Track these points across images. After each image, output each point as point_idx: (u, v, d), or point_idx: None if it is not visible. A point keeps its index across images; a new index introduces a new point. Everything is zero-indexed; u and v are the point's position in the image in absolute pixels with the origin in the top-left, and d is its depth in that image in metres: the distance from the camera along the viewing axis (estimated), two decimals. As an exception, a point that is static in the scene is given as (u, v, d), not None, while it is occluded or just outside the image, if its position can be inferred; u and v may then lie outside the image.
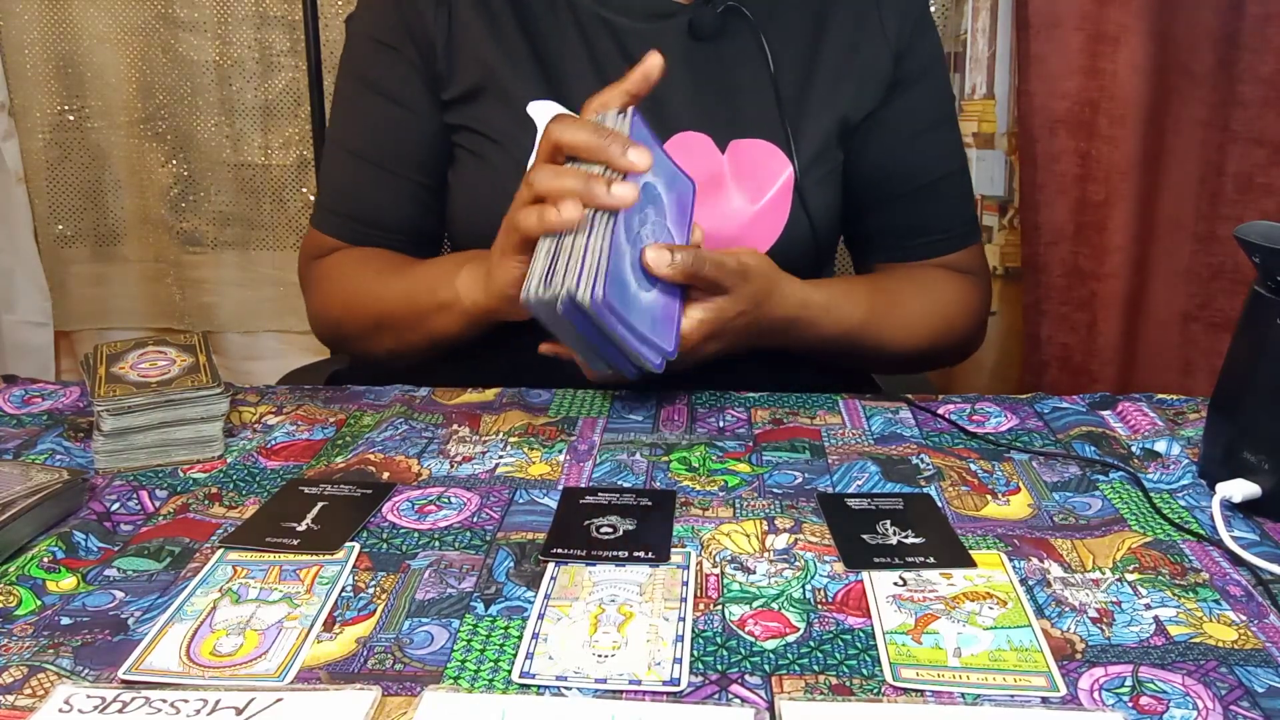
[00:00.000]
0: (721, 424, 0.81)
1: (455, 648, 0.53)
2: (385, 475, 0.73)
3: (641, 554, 0.61)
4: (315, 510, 0.67)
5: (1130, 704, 0.49)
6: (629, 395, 0.86)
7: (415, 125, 0.94)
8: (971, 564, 0.61)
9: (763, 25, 0.91)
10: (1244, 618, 0.56)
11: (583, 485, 0.71)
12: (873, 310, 0.92)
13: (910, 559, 0.61)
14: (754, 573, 0.60)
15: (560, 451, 0.76)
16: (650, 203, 0.74)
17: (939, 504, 0.69)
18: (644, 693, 0.50)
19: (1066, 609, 0.57)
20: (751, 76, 0.92)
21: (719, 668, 0.52)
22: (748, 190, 0.90)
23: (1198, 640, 0.54)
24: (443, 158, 0.95)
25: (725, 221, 0.89)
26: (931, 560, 0.61)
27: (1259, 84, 1.33)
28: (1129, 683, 0.51)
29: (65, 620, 0.55)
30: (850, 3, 0.94)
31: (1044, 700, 0.50)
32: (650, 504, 0.68)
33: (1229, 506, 0.67)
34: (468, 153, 0.93)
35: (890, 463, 0.74)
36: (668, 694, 0.50)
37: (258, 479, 0.72)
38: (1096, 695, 0.50)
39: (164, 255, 1.74)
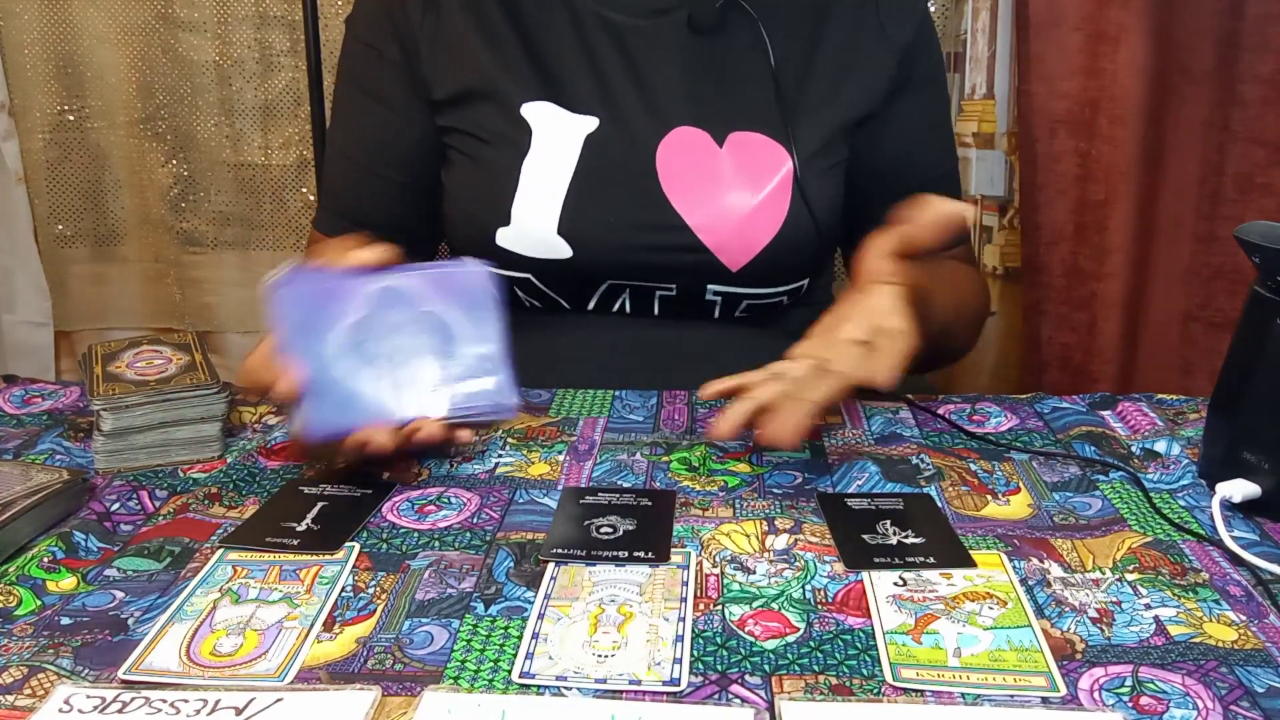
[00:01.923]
0: (721, 424, 0.81)
1: (455, 648, 0.53)
2: (385, 475, 0.73)
3: (641, 554, 0.61)
4: (315, 510, 0.67)
5: (1130, 704, 0.49)
6: (629, 395, 0.86)
7: (400, 127, 0.95)
8: (971, 564, 0.61)
9: (762, 19, 0.91)
10: (1244, 618, 0.56)
11: (583, 485, 0.71)
12: (953, 287, 0.91)
13: (910, 559, 0.61)
14: (754, 573, 0.60)
15: (560, 451, 0.76)
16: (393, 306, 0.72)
17: (939, 504, 0.69)
18: (644, 693, 0.50)
19: (1066, 609, 0.57)
20: (751, 70, 0.92)
21: (719, 668, 0.52)
22: (747, 184, 0.90)
23: (1198, 640, 0.54)
24: (431, 159, 0.96)
25: (725, 216, 0.89)
26: (931, 560, 0.61)
27: (1259, 84, 1.33)
28: (1129, 683, 0.51)
29: (65, 620, 0.55)
30: (847, 2, 0.95)
31: (1044, 700, 0.50)
32: (650, 504, 0.68)
33: (1229, 506, 0.67)
34: (460, 154, 0.93)
35: (890, 463, 0.74)
36: (668, 694, 0.50)
37: (258, 479, 0.72)
38: (1096, 695, 0.50)
39: (164, 255, 1.74)
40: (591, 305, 0.93)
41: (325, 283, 0.71)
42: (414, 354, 0.71)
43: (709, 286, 0.91)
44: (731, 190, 0.90)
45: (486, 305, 0.74)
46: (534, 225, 0.88)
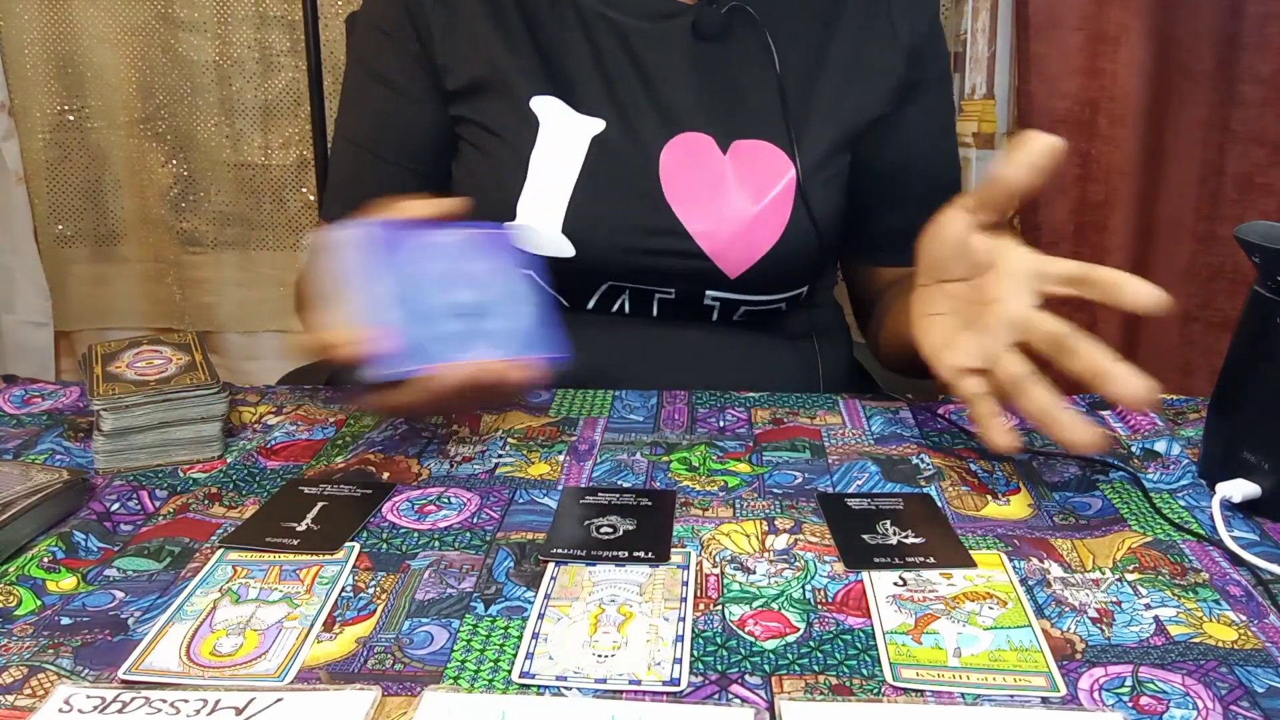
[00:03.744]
0: (721, 424, 0.81)
1: (455, 648, 0.53)
2: (385, 475, 0.73)
3: (641, 554, 0.61)
4: (315, 510, 0.67)
5: (1130, 704, 0.49)
6: (629, 395, 0.86)
7: (414, 113, 0.94)
8: (971, 564, 0.61)
9: (768, 25, 0.91)
10: (1244, 618, 0.56)
11: (583, 485, 0.71)
12: None
13: (910, 559, 0.61)
14: (754, 573, 0.60)
15: (560, 451, 0.76)
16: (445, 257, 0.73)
17: (939, 504, 0.69)
18: (644, 693, 0.50)
19: (1066, 609, 0.57)
20: (756, 77, 0.92)
21: (719, 668, 0.52)
22: (749, 191, 0.90)
23: (1198, 640, 0.54)
24: (444, 148, 0.96)
25: (724, 223, 0.89)
26: (931, 560, 0.61)
27: (1259, 84, 1.33)
28: (1129, 683, 0.51)
29: (65, 620, 0.55)
30: (858, 4, 0.94)
31: (1044, 700, 0.50)
32: (650, 504, 0.68)
33: (1229, 506, 0.67)
34: (470, 146, 0.93)
35: (890, 463, 0.74)
36: (668, 694, 0.50)
37: (258, 479, 0.72)
38: (1096, 695, 0.50)
39: (164, 255, 1.75)
40: (591, 304, 0.93)
41: (386, 234, 0.71)
42: (463, 309, 0.72)
43: (707, 292, 0.91)
44: (733, 197, 0.90)
45: (523, 264, 0.76)
46: (539, 222, 0.88)
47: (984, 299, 0.68)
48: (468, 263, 0.74)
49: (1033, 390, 0.64)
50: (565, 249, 0.89)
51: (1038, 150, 0.66)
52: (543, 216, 0.88)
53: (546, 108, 0.90)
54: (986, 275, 0.69)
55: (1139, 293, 0.62)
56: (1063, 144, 0.66)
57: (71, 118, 1.68)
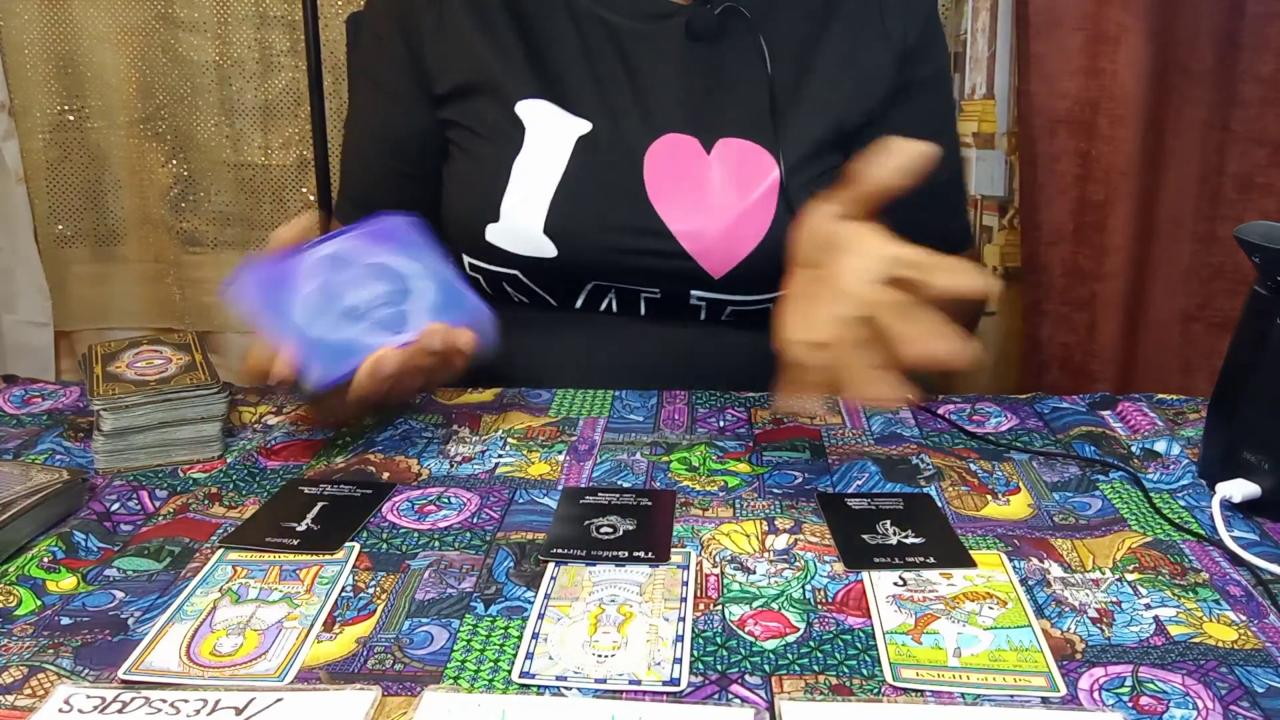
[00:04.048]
0: (721, 424, 0.81)
1: (455, 648, 0.53)
2: (385, 475, 0.73)
3: (641, 554, 0.61)
4: (315, 510, 0.67)
5: (1130, 704, 0.49)
6: (629, 395, 0.86)
7: (400, 115, 0.96)
8: (971, 564, 0.61)
9: (761, 26, 0.91)
10: (1244, 618, 0.56)
11: (583, 485, 0.71)
12: None
13: (910, 559, 0.61)
14: (754, 573, 0.60)
15: (560, 451, 0.76)
16: (344, 269, 0.76)
17: (939, 504, 0.69)
18: (644, 693, 0.50)
19: (1066, 609, 0.57)
20: (747, 77, 0.92)
21: (719, 668, 0.52)
22: (733, 191, 0.90)
23: (1198, 640, 0.54)
24: (433, 151, 0.96)
25: (709, 221, 0.89)
26: (931, 560, 0.61)
27: (1259, 84, 1.33)
28: (1129, 683, 0.51)
29: (65, 620, 0.55)
30: (851, 4, 0.94)
31: (1044, 700, 0.50)
32: (650, 504, 0.68)
33: (1229, 506, 0.67)
34: (457, 148, 0.94)
35: (890, 463, 0.74)
36: (668, 694, 0.50)
37: (258, 479, 0.72)
38: (1096, 695, 0.50)
39: (164, 255, 1.75)
40: (579, 304, 0.93)
41: (272, 268, 0.74)
42: (378, 300, 0.75)
43: (692, 292, 0.91)
44: (717, 198, 0.90)
45: (421, 243, 0.79)
46: (522, 223, 0.89)
47: (830, 277, 0.69)
48: (371, 258, 0.77)
49: (855, 361, 0.65)
50: (547, 249, 0.89)
51: (908, 155, 0.70)
52: (525, 217, 0.89)
53: (533, 111, 0.90)
54: (839, 257, 0.70)
55: (964, 278, 0.63)
56: (932, 149, 0.71)
57: (71, 118, 1.68)
